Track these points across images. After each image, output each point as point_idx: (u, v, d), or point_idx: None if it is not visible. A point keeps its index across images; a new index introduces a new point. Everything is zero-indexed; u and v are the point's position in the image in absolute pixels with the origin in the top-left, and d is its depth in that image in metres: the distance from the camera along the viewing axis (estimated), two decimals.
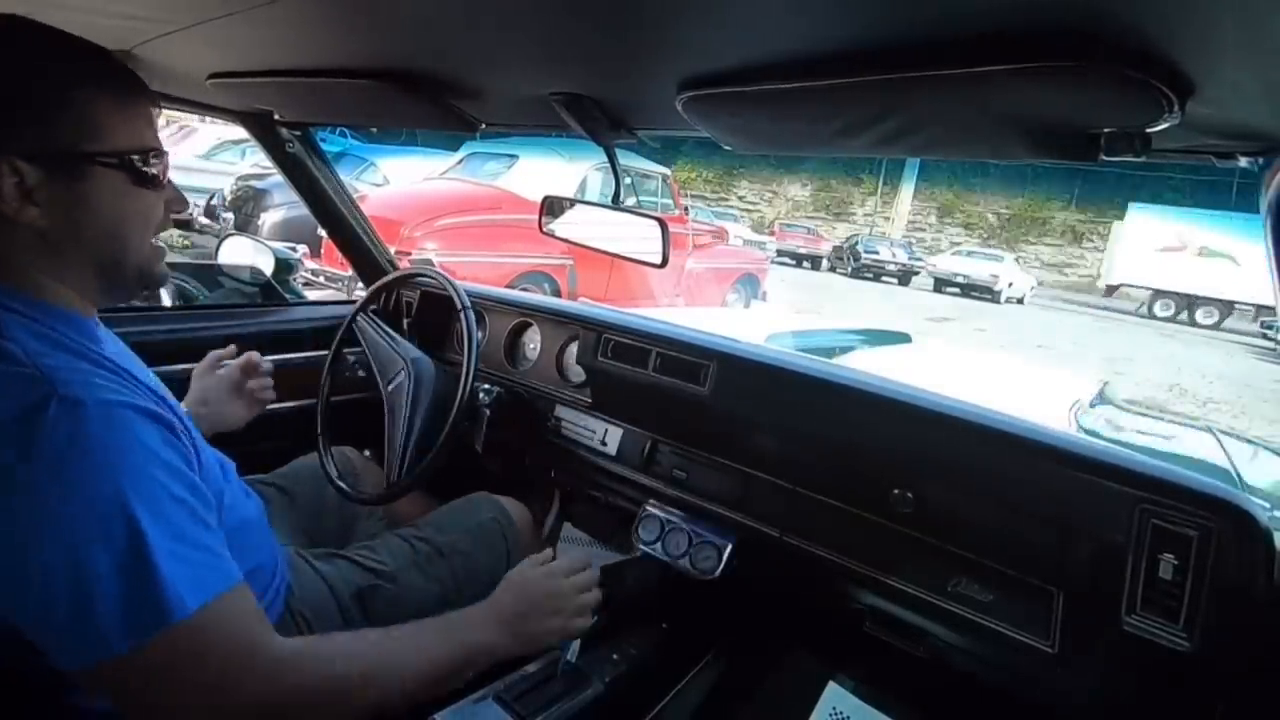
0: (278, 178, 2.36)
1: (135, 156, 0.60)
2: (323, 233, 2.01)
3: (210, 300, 1.95)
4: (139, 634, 0.49)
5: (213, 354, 1.10)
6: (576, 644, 0.90)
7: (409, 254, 4.18)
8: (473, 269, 4.26)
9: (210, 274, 2.01)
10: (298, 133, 1.47)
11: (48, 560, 0.47)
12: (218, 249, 2.06)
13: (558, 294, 4.82)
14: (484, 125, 1.09)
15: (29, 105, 0.56)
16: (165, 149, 0.65)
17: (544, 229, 1.29)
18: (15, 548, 0.48)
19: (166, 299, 1.87)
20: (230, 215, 6.36)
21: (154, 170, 0.62)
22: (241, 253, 2.02)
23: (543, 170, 5.25)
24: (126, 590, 0.49)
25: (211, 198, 6.73)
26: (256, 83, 1.02)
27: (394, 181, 7.48)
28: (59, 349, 0.57)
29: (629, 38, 0.64)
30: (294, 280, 2.22)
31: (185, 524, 0.54)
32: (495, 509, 1.22)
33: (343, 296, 3.24)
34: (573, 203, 1.30)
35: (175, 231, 7.02)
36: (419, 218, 4.69)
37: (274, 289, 1.94)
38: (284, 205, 6.08)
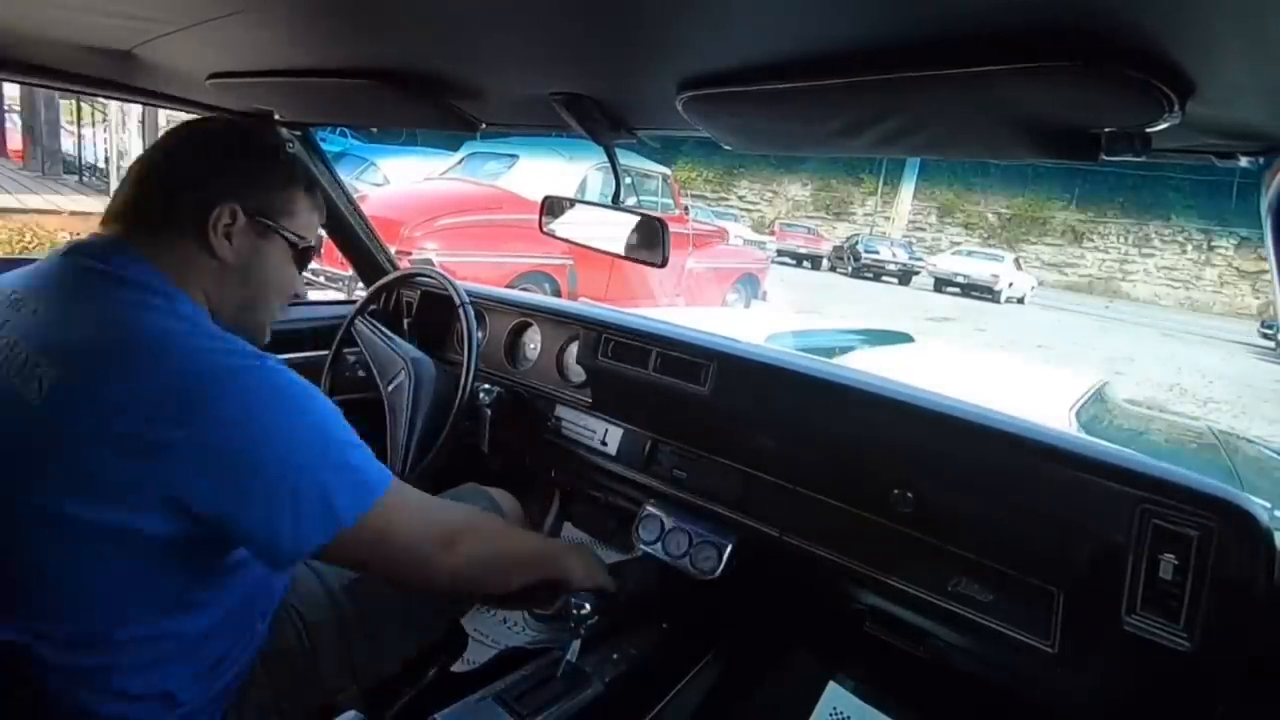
0: None
1: (307, 242, 0.82)
2: (323, 232, 2.00)
3: None
4: (360, 507, 0.68)
5: None
6: (576, 644, 0.90)
7: (409, 254, 4.17)
8: (473, 269, 4.25)
9: None
10: (298, 133, 1.47)
11: (297, 485, 0.65)
12: None
13: (558, 294, 4.80)
14: (484, 125, 1.09)
15: (263, 176, 0.78)
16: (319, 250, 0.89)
17: (544, 229, 1.29)
18: (270, 480, 0.64)
19: None
20: None
21: (307, 258, 0.84)
22: None
23: (543, 170, 5.24)
24: (346, 485, 0.68)
25: None
26: (256, 83, 1.02)
27: (394, 181, 7.44)
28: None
29: (629, 38, 0.64)
30: None
31: (354, 435, 0.72)
32: (484, 499, 1.22)
33: (343, 296, 3.24)
34: (573, 203, 1.29)
35: None
36: (419, 218, 4.68)
37: None
38: None
